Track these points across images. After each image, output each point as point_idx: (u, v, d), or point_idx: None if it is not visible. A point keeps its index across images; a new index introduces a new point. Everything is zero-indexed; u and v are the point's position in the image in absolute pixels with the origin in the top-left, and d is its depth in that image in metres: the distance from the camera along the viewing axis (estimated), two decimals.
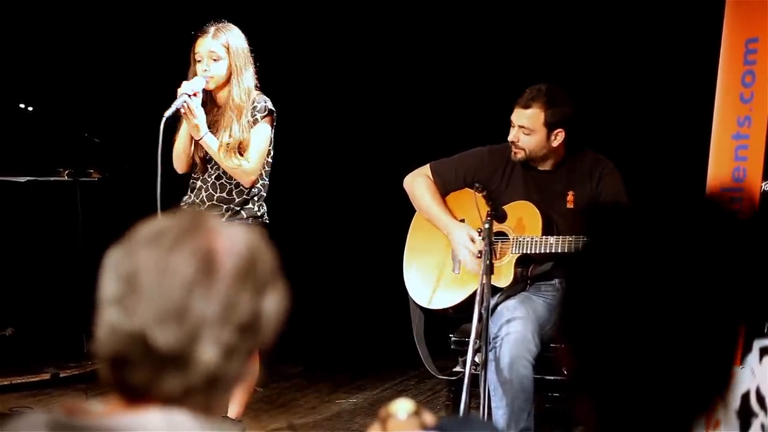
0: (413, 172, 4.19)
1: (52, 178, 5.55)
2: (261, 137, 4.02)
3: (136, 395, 1.25)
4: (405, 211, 4.22)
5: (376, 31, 6.67)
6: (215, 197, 4.05)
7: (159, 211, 3.83)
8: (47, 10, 6.38)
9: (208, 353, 1.23)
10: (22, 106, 5.50)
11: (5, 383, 5.12)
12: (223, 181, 4.05)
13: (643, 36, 5.92)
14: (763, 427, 2.96)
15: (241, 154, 3.98)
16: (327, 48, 6.78)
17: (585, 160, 3.98)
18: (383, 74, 6.72)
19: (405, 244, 4.18)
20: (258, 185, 4.07)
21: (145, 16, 6.43)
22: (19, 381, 5.18)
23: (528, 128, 3.87)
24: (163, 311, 1.22)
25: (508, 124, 3.94)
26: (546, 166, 3.97)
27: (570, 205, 3.94)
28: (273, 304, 1.30)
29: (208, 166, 4.07)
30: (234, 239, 1.29)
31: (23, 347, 5.53)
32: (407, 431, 1.45)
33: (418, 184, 4.13)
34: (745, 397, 3.00)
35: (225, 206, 4.04)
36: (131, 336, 1.23)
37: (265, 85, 4.15)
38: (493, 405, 3.70)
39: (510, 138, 3.92)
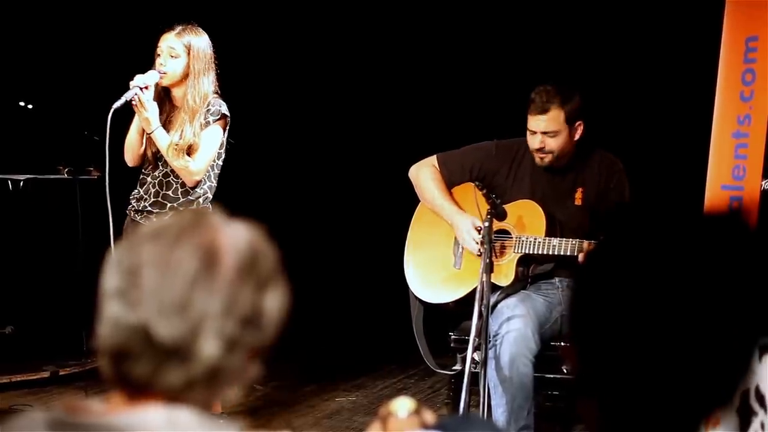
0: (419, 162, 4.18)
1: (51, 176, 5.55)
2: (211, 140, 4.04)
3: (138, 390, 1.26)
4: (405, 206, 4.21)
5: (380, 23, 6.66)
6: (160, 194, 4.09)
7: (108, 202, 3.85)
8: (46, 9, 6.37)
9: (209, 346, 1.24)
10: (21, 104, 5.49)
11: (5, 381, 5.12)
12: (170, 179, 4.08)
13: (644, 34, 5.92)
14: (762, 425, 2.95)
15: (190, 155, 4.00)
16: (332, 40, 6.78)
17: (594, 157, 3.99)
18: (386, 67, 6.72)
19: (405, 239, 4.18)
20: (204, 187, 4.10)
21: (147, 14, 6.42)
22: (18, 379, 5.18)
23: (553, 131, 3.86)
24: (165, 304, 1.23)
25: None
26: (559, 164, 3.96)
27: (578, 203, 3.94)
28: (274, 300, 1.30)
29: (159, 164, 4.10)
30: (236, 236, 1.30)
31: (23, 345, 5.52)
32: (407, 430, 1.45)
33: (424, 174, 4.12)
34: (745, 395, 2.99)
35: (169, 204, 4.08)
36: (133, 329, 1.24)
37: (265, 78, 4.14)
38: (493, 403, 3.70)
39: (535, 146, 3.89)
